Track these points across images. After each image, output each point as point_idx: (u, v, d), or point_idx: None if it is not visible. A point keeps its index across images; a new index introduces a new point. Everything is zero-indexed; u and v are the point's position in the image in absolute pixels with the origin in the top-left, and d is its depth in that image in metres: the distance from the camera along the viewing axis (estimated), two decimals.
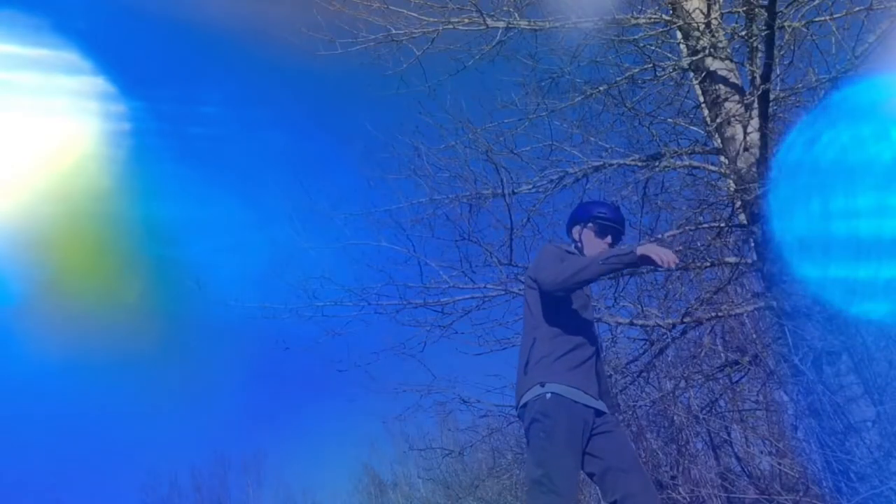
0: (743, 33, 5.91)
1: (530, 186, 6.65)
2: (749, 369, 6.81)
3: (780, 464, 6.66)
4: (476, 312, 6.78)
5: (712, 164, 6.70)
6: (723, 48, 6.16)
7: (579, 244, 3.09)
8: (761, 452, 7.29)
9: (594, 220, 3.08)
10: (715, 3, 6.25)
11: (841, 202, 5.17)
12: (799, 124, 5.58)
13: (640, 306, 6.51)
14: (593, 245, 3.06)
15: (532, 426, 2.69)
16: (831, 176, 5.21)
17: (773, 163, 5.54)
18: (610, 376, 6.81)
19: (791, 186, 5.34)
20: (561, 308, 2.85)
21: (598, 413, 2.79)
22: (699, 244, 6.68)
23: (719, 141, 6.28)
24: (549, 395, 2.68)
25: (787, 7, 5.68)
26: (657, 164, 6.21)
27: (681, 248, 6.69)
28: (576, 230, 3.13)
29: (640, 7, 6.28)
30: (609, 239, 3.07)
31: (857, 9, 5.58)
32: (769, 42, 5.17)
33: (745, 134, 5.91)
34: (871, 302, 4.98)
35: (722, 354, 7.45)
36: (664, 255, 2.56)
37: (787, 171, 5.33)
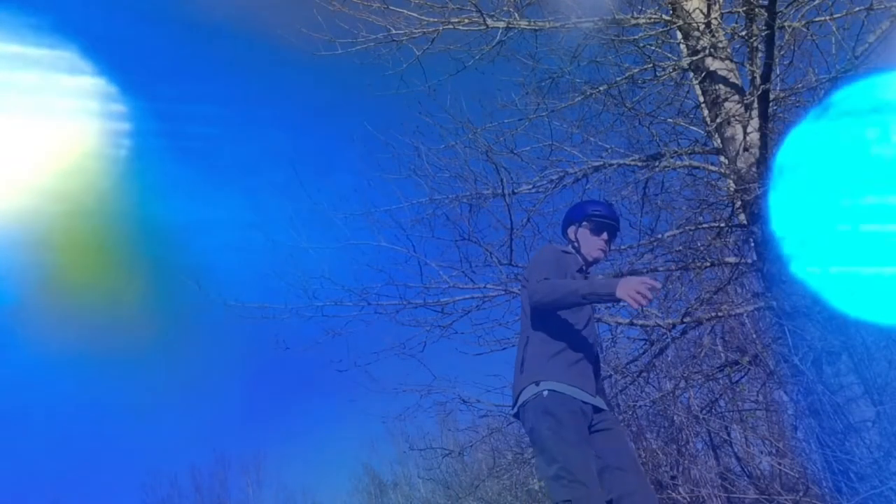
0: (743, 33, 5.91)
1: (530, 186, 6.65)
2: (749, 369, 6.81)
3: (780, 464, 6.66)
4: (476, 312, 6.79)
5: (712, 164, 6.70)
6: (723, 48, 6.16)
7: (576, 244, 3.10)
8: (761, 452, 7.30)
9: (588, 218, 3.08)
10: (715, 3, 6.24)
11: (842, 201, 5.17)
12: (800, 122, 5.58)
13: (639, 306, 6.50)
14: (590, 243, 3.06)
15: (536, 426, 2.69)
16: (832, 174, 5.21)
17: (773, 161, 5.54)
18: (610, 376, 6.82)
19: (792, 185, 5.34)
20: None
21: (597, 409, 2.79)
22: (699, 244, 6.67)
23: (719, 141, 6.28)
24: (545, 393, 2.68)
25: (787, 7, 5.68)
26: (657, 164, 6.21)
27: (680, 248, 6.70)
28: (571, 230, 3.13)
29: (640, 7, 6.28)
30: (605, 236, 3.07)
31: (857, 9, 5.58)
32: (769, 42, 5.17)
33: (745, 134, 5.91)
34: (872, 301, 4.98)
35: (722, 354, 7.45)
36: (639, 298, 2.55)
37: (787, 169, 5.33)
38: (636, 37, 6.23)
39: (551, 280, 2.76)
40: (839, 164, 5.14)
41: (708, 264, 6.52)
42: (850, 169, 5.10)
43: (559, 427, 2.63)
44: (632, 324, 6.51)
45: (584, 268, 3.05)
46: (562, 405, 2.67)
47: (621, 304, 2.65)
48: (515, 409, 2.84)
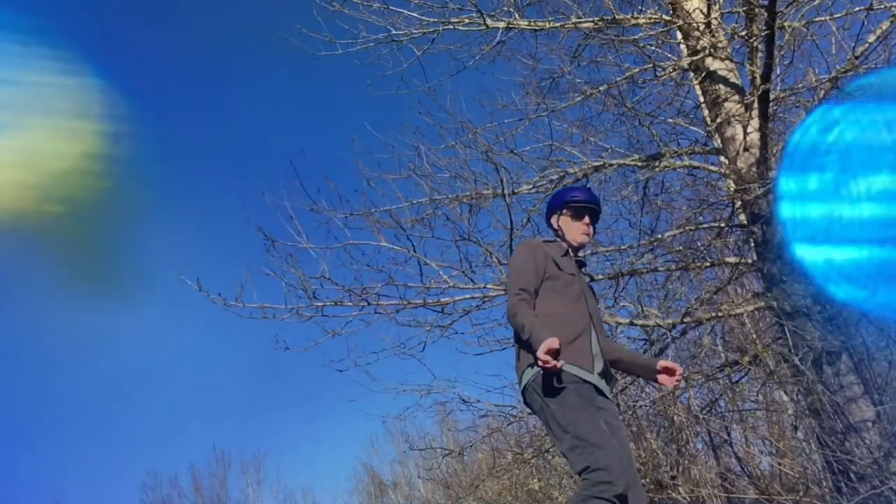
0: (743, 33, 5.91)
1: (530, 186, 6.65)
2: (749, 369, 6.81)
3: (780, 464, 6.66)
4: (476, 312, 6.77)
5: (712, 164, 6.70)
6: (723, 48, 6.16)
7: (560, 232, 3.13)
8: (761, 452, 7.30)
9: (567, 205, 3.12)
10: (715, 3, 6.24)
11: (850, 192, 5.19)
12: (810, 115, 5.59)
13: (640, 306, 6.51)
14: (572, 229, 3.09)
15: (543, 404, 2.71)
16: (840, 166, 5.23)
17: (784, 152, 5.57)
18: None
19: (800, 177, 5.36)
20: (544, 295, 2.89)
21: (598, 391, 2.79)
22: (699, 244, 6.68)
23: (719, 141, 6.28)
24: (544, 371, 2.70)
25: (787, 7, 5.68)
26: (657, 164, 6.21)
27: (680, 248, 6.70)
28: (553, 219, 3.17)
29: (640, 7, 6.29)
30: (586, 219, 3.10)
31: (857, 9, 5.58)
32: (769, 42, 5.17)
33: (745, 134, 5.91)
34: (876, 292, 4.99)
35: (722, 354, 7.45)
36: (542, 363, 2.56)
37: (796, 161, 5.35)
38: (636, 37, 6.23)
39: (519, 305, 2.78)
40: (849, 153, 5.16)
41: (708, 264, 6.51)
42: (860, 158, 5.12)
43: (563, 398, 2.66)
44: (632, 324, 6.50)
45: (569, 252, 3.07)
46: (561, 378, 2.69)
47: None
48: (521, 398, 2.87)
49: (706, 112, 6.40)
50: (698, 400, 7.50)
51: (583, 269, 3.16)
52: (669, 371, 2.98)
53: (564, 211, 3.12)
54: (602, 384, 2.83)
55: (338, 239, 6.66)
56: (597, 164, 6.47)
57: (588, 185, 6.55)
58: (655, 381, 3.03)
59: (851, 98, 5.47)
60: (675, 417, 7.35)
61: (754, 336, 7.15)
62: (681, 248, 6.70)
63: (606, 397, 2.84)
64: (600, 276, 6.53)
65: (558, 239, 3.13)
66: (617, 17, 6.01)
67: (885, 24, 5.49)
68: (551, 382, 2.69)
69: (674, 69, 6.28)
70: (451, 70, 6.68)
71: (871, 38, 5.51)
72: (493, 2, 6.38)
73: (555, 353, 2.54)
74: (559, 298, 2.88)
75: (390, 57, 6.48)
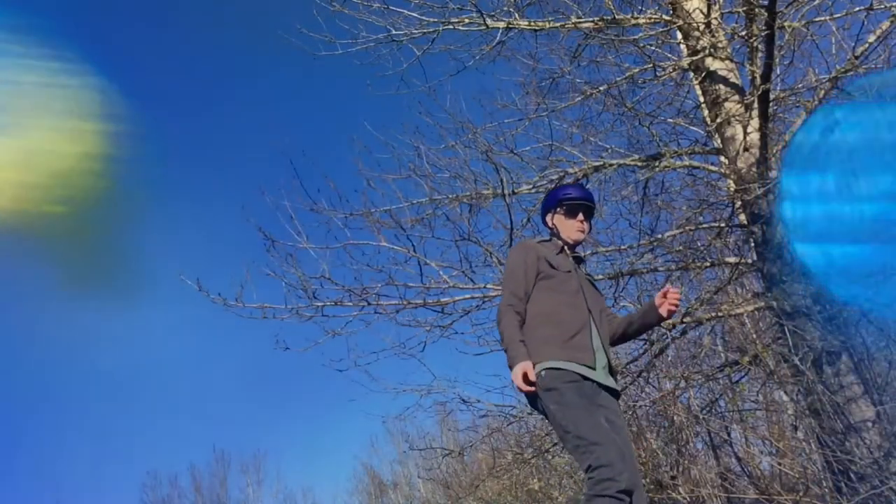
0: (743, 33, 5.91)
1: (530, 186, 6.65)
2: (749, 369, 6.81)
3: (780, 464, 6.66)
4: (476, 312, 6.77)
5: (712, 164, 6.70)
6: (723, 48, 6.16)
7: (555, 230, 3.16)
8: (761, 452, 7.30)
9: (560, 203, 3.14)
10: (715, 3, 6.24)
11: (850, 191, 5.19)
12: (810, 115, 5.60)
13: (640, 306, 6.51)
14: (567, 226, 3.12)
15: (546, 405, 2.74)
16: (840, 166, 5.23)
17: (784, 152, 5.57)
18: None
19: (800, 177, 5.37)
20: (539, 294, 2.91)
21: (602, 387, 2.80)
22: (699, 244, 6.68)
23: (719, 141, 6.28)
24: (543, 373, 2.73)
25: (787, 7, 5.69)
26: (657, 164, 6.21)
27: (680, 248, 6.70)
28: (548, 218, 3.21)
29: (640, 7, 6.29)
30: (581, 216, 3.12)
31: (857, 9, 5.59)
32: (769, 42, 5.17)
33: (745, 134, 5.91)
34: (876, 291, 4.99)
35: (722, 354, 7.46)
36: (526, 389, 2.70)
37: (797, 161, 5.36)
38: (636, 37, 6.23)
39: (506, 311, 2.84)
40: (847, 154, 5.16)
41: (708, 264, 6.51)
42: (858, 158, 5.12)
43: (561, 397, 2.69)
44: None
45: (564, 249, 3.09)
46: (559, 377, 2.72)
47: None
48: (525, 397, 2.90)
49: (706, 112, 6.40)
50: (698, 400, 7.51)
51: (581, 266, 3.18)
52: (665, 296, 3.03)
53: (559, 209, 3.15)
54: (606, 379, 2.85)
55: (338, 239, 6.67)
56: (597, 164, 6.47)
57: (587, 184, 6.56)
58: (662, 318, 3.07)
59: (851, 98, 5.47)
60: (675, 417, 7.35)
61: (754, 336, 7.15)
62: (681, 248, 6.70)
63: (611, 391, 2.86)
64: (600, 276, 6.53)
65: (554, 237, 3.15)
66: (617, 17, 6.01)
67: (885, 24, 5.49)
68: (530, 399, 2.77)
69: (674, 69, 6.28)
70: (451, 70, 6.69)
71: (871, 38, 5.51)
72: (493, 2, 6.39)
73: (529, 381, 2.66)
74: (555, 296, 2.90)
75: (390, 57, 6.49)
